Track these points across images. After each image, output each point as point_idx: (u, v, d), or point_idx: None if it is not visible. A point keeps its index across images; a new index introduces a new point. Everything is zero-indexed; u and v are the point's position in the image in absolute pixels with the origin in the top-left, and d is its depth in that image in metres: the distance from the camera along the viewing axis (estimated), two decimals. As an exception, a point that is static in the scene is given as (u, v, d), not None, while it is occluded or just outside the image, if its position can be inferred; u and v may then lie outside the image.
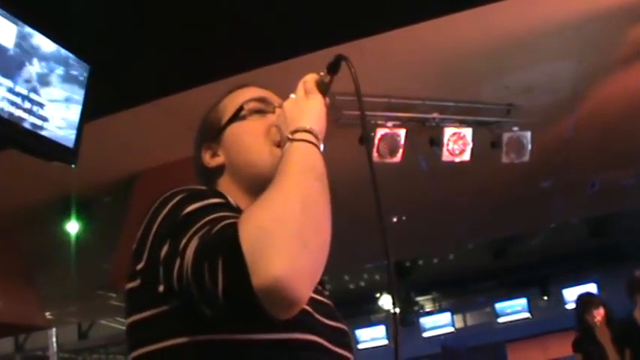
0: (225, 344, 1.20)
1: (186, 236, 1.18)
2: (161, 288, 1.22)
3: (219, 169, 1.52)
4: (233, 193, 1.43)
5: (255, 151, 1.46)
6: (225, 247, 1.10)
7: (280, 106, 1.48)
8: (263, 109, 1.52)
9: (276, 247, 1.07)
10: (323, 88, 1.44)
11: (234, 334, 1.20)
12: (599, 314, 5.69)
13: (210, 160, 1.54)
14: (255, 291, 1.06)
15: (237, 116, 1.52)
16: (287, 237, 1.09)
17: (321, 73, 1.45)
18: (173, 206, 1.28)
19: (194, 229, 1.19)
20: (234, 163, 1.50)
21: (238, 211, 1.27)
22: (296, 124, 1.34)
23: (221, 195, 1.35)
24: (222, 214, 1.21)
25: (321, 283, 1.56)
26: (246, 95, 1.55)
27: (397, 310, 1.42)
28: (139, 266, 1.28)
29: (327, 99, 1.44)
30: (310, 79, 1.44)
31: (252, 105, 1.52)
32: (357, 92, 1.42)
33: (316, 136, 1.32)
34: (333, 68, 1.45)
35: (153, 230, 1.27)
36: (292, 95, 1.44)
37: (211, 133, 1.55)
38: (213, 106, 1.60)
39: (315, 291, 1.42)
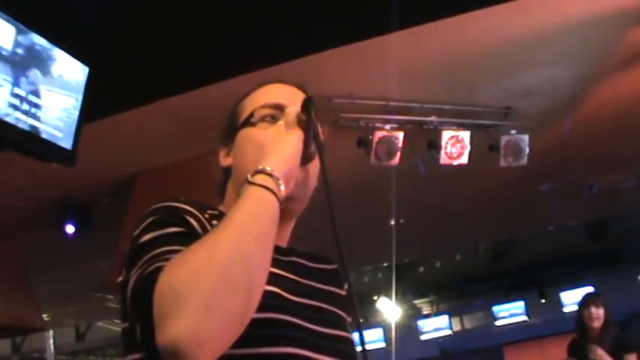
0: None
1: (133, 269, 1.21)
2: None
3: (229, 170, 1.51)
4: (232, 198, 1.43)
5: (252, 161, 1.39)
6: (143, 300, 1.12)
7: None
8: (275, 116, 1.46)
9: (179, 310, 1.06)
10: (303, 123, 1.37)
11: None
12: (597, 314, 5.57)
13: (223, 159, 1.53)
14: (159, 347, 1.07)
15: (247, 121, 1.48)
16: (192, 301, 1.06)
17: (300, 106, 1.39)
18: (141, 230, 1.29)
19: (139, 264, 1.21)
20: (237, 169, 1.48)
21: (200, 235, 1.27)
22: (262, 163, 1.30)
23: (186, 218, 1.32)
24: (167, 248, 1.21)
25: (337, 283, 1.55)
26: (263, 98, 1.51)
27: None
28: (119, 279, 1.32)
29: (314, 130, 1.38)
30: (291, 112, 1.38)
31: (264, 112, 1.47)
32: (316, 138, 1.36)
33: (276, 179, 1.27)
34: (306, 110, 1.38)
35: (127, 249, 1.31)
36: (280, 122, 1.40)
37: (229, 131, 1.53)
38: (240, 100, 1.57)
39: (313, 296, 1.42)
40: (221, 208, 1.47)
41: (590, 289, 14.29)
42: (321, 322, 1.37)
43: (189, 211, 1.34)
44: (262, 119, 1.47)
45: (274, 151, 1.33)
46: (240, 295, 1.12)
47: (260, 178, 1.27)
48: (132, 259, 1.24)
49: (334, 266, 1.59)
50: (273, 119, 1.46)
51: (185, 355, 1.05)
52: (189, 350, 1.05)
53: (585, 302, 5.69)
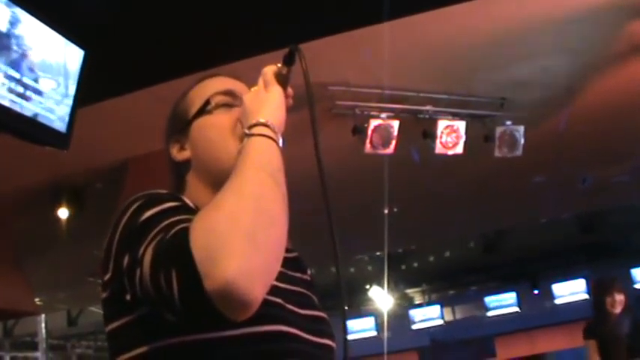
0: (196, 344, 1.22)
1: (143, 245, 1.19)
2: (128, 297, 1.24)
3: (187, 164, 1.50)
4: (199, 189, 1.45)
5: (221, 146, 1.43)
6: (177, 254, 1.10)
7: None
8: (230, 102, 1.49)
9: (226, 249, 1.07)
10: (282, 79, 1.40)
11: (204, 333, 1.21)
12: (619, 299, 5.51)
13: (177, 154, 1.52)
14: (208, 295, 1.06)
15: (203, 110, 1.49)
16: (236, 237, 1.08)
17: (278, 65, 1.42)
18: (131, 215, 1.28)
19: (150, 236, 1.19)
20: (200, 158, 1.48)
21: (196, 212, 1.26)
22: (254, 118, 1.32)
23: (178, 198, 1.34)
24: (177, 218, 1.21)
25: (302, 270, 1.57)
26: (213, 87, 1.53)
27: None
28: (107, 277, 1.30)
29: (290, 90, 1.42)
30: (269, 70, 1.41)
31: (219, 98, 1.49)
32: (307, 86, 1.37)
33: (273, 129, 1.31)
34: (288, 60, 1.41)
35: (115, 240, 1.29)
36: (253, 88, 1.42)
37: (179, 125, 1.53)
38: (182, 96, 1.57)
39: (291, 281, 1.44)
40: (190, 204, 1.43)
41: (582, 281, 14.45)
42: (299, 304, 1.39)
43: (171, 194, 1.36)
44: (219, 106, 1.49)
45: (262, 106, 1.35)
46: (276, 226, 1.17)
47: (258, 129, 1.30)
48: (136, 237, 1.22)
49: (295, 254, 1.60)
50: (229, 106, 1.48)
51: (241, 292, 1.06)
52: (246, 285, 1.06)
53: (607, 289, 5.58)
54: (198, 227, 1.11)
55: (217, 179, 1.35)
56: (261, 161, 1.24)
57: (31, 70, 3.81)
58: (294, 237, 1.53)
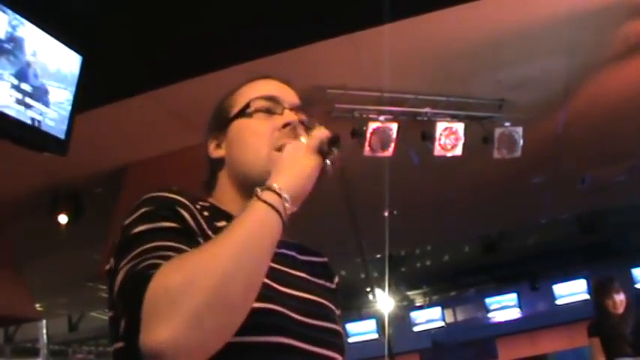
0: None
1: (124, 260, 1.21)
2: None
3: (221, 162, 1.51)
4: (227, 189, 1.46)
5: (253, 151, 1.43)
6: (133, 295, 1.11)
7: (290, 108, 1.48)
8: (270, 108, 1.49)
9: (170, 317, 1.06)
10: (324, 153, 1.34)
11: None
12: (620, 300, 5.52)
13: (213, 151, 1.53)
14: (140, 347, 1.07)
15: (243, 112, 1.49)
16: (184, 310, 1.06)
17: (328, 136, 1.35)
18: (130, 222, 1.29)
19: (130, 255, 1.20)
20: (232, 159, 1.49)
21: (195, 231, 1.29)
22: (273, 179, 1.28)
23: (179, 212, 1.31)
24: (161, 243, 1.21)
25: (328, 276, 1.55)
26: (258, 90, 1.52)
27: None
28: (107, 267, 1.33)
29: (329, 163, 1.35)
30: (316, 136, 1.35)
31: (260, 103, 1.49)
32: (343, 179, 1.37)
33: (284, 200, 1.25)
34: (333, 144, 1.35)
35: (118, 237, 1.31)
36: (303, 139, 1.36)
37: (220, 122, 1.53)
38: (229, 94, 1.57)
39: (308, 288, 1.42)
40: (211, 200, 1.47)
41: (582, 281, 14.42)
42: (308, 314, 1.37)
43: (181, 202, 1.34)
44: (258, 111, 1.48)
45: (290, 169, 1.31)
46: (233, 315, 1.13)
47: (268, 196, 1.25)
48: (122, 249, 1.24)
49: (324, 259, 1.59)
50: (269, 112, 1.48)
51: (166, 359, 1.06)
52: (171, 356, 1.06)
53: (605, 291, 5.60)
54: (160, 278, 1.10)
55: (243, 182, 1.39)
56: (253, 239, 1.19)
57: (29, 76, 3.81)
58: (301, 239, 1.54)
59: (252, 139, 1.46)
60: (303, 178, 1.31)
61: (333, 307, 1.48)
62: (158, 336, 1.05)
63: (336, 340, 1.42)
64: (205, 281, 1.09)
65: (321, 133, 1.36)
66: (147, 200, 1.33)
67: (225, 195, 1.46)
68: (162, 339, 1.05)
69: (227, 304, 1.11)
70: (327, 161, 1.34)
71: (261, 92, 1.51)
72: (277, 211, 1.24)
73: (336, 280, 1.59)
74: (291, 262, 1.46)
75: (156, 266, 1.13)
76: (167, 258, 1.16)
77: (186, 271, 1.11)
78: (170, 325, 1.05)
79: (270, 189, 1.25)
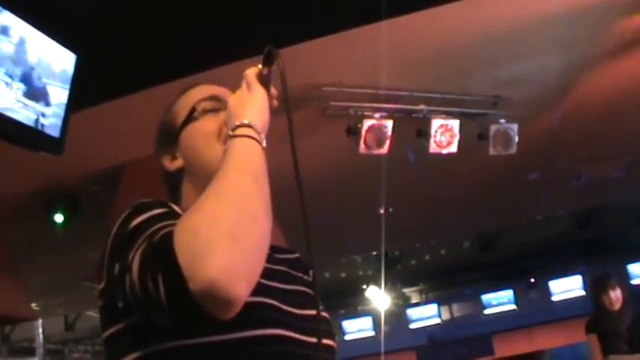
0: (189, 349, 1.23)
1: (132, 252, 1.21)
2: (120, 304, 1.25)
3: (180, 173, 1.53)
4: (194, 196, 1.43)
5: (209, 151, 1.46)
6: (162, 257, 1.12)
7: None
8: (215, 107, 1.52)
9: (207, 249, 1.08)
10: (264, 80, 1.42)
11: (197, 338, 1.22)
12: (616, 296, 5.53)
13: (169, 164, 1.54)
14: (193, 295, 1.07)
15: (190, 118, 1.52)
16: (217, 237, 1.09)
17: (259, 66, 1.43)
18: (120, 224, 1.31)
19: (138, 243, 1.21)
20: (191, 165, 1.50)
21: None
22: (237, 120, 1.34)
23: (165, 204, 1.36)
24: (164, 223, 1.23)
25: (304, 270, 1.57)
26: (197, 95, 1.55)
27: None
28: (101, 286, 1.33)
29: (273, 90, 1.44)
30: (250, 72, 1.42)
31: (204, 105, 1.52)
32: (283, 86, 1.39)
33: (256, 130, 1.32)
34: (267, 60, 1.42)
35: (108, 250, 1.32)
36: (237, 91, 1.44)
37: (168, 136, 1.55)
38: (167, 110, 1.60)
39: (292, 281, 1.46)
40: (179, 210, 1.45)
41: (578, 277, 14.44)
42: (296, 305, 1.39)
43: (164, 202, 1.38)
44: (205, 112, 1.51)
45: (245, 107, 1.37)
46: (258, 225, 1.17)
47: (241, 130, 1.32)
48: (125, 245, 1.24)
49: (297, 255, 1.62)
50: (215, 111, 1.51)
51: (224, 290, 1.07)
52: (228, 284, 1.07)
53: (602, 288, 5.60)
54: (181, 229, 1.13)
55: (209, 183, 1.36)
56: (243, 162, 1.26)
57: (24, 75, 3.80)
58: (290, 237, 1.54)
59: (204, 139, 1.48)
60: (261, 109, 1.38)
61: (316, 297, 1.50)
62: (207, 270, 1.06)
63: (328, 327, 1.46)
64: (223, 208, 1.15)
65: (250, 70, 1.43)
66: (129, 207, 1.35)
67: (193, 201, 1.46)
68: (212, 271, 1.06)
69: (249, 216, 1.16)
70: (270, 83, 1.42)
71: (201, 95, 1.55)
72: (255, 139, 1.31)
73: (311, 272, 1.61)
74: (270, 259, 1.47)
75: (171, 232, 1.15)
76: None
77: (202, 210, 1.16)
78: (213, 256, 1.07)
79: (240, 126, 1.33)
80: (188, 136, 1.51)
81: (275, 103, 1.43)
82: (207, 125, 1.49)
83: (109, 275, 1.28)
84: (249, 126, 1.32)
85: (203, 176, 1.42)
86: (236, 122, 1.33)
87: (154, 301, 1.13)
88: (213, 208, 1.15)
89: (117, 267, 1.25)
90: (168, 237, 1.14)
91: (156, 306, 1.13)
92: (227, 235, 1.10)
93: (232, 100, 1.41)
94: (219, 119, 1.48)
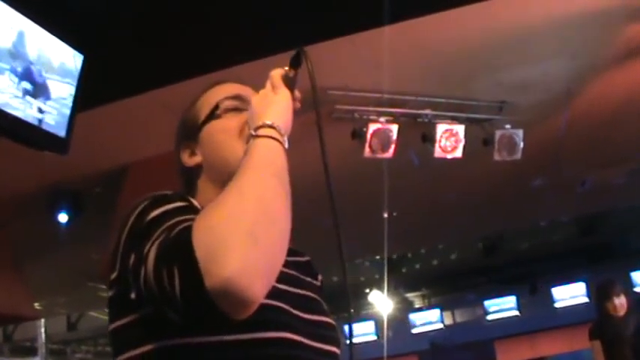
0: (198, 347, 1.22)
1: (148, 243, 1.20)
2: (133, 296, 1.24)
3: (198, 169, 1.53)
4: (211, 193, 1.45)
5: (229, 149, 1.45)
6: (179, 251, 1.11)
7: None
8: (238, 106, 1.52)
9: (226, 246, 1.08)
10: (289, 82, 1.42)
11: (208, 336, 1.22)
12: (620, 303, 5.51)
13: (188, 160, 1.54)
14: (209, 292, 1.07)
15: (212, 115, 1.52)
16: (236, 235, 1.09)
17: (286, 68, 1.43)
18: (138, 215, 1.30)
19: (155, 235, 1.20)
20: (210, 162, 1.50)
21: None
22: (260, 120, 1.34)
23: (184, 198, 1.36)
24: (182, 217, 1.23)
25: (313, 275, 1.57)
26: (221, 93, 1.55)
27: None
28: (113, 276, 1.32)
29: (297, 92, 1.44)
30: (276, 74, 1.43)
31: (228, 103, 1.52)
32: (312, 87, 1.40)
33: (279, 131, 1.32)
34: (295, 62, 1.43)
35: (122, 240, 1.30)
36: (261, 91, 1.44)
37: (189, 132, 1.55)
38: (191, 104, 1.60)
39: (301, 285, 1.45)
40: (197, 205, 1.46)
41: (581, 284, 14.42)
42: (305, 309, 1.39)
43: (183, 195, 1.38)
44: (227, 110, 1.51)
45: (268, 108, 1.37)
46: (278, 225, 1.17)
47: (264, 131, 1.31)
48: (142, 235, 1.23)
49: (308, 258, 1.62)
50: (238, 110, 1.51)
51: (241, 289, 1.07)
52: (245, 283, 1.07)
53: (606, 294, 5.58)
54: (200, 225, 1.12)
55: (227, 182, 1.37)
56: (265, 162, 1.26)
57: (30, 74, 3.81)
58: (298, 241, 1.54)
59: (226, 137, 1.48)
60: (284, 111, 1.38)
61: (323, 303, 1.50)
62: (225, 268, 1.06)
63: (334, 334, 1.45)
64: (243, 207, 1.14)
65: (276, 71, 1.43)
66: (144, 198, 1.35)
67: (210, 198, 1.44)
68: (229, 269, 1.06)
69: (270, 216, 1.16)
70: (295, 86, 1.42)
71: (225, 93, 1.54)
72: (277, 140, 1.31)
73: (320, 277, 1.62)
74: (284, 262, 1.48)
75: (189, 227, 1.14)
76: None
77: (221, 207, 1.15)
78: (232, 254, 1.07)
79: (262, 126, 1.32)
80: (209, 133, 1.51)
81: (298, 105, 1.43)
82: (229, 123, 1.49)
83: (122, 265, 1.27)
84: (272, 127, 1.32)
85: (221, 174, 1.42)
86: (259, 122, 1.33)
87: (168, 295, 1.12)
88: (234, 206, 1.14)
89: (132, 257, 1.23)
90: (187, 231, 1.13)
91: (169, 300, 1.12)
92: (247, 234, 1.09)
93: (256, 100, 1.41)
94: (242, 119, 1.47)
